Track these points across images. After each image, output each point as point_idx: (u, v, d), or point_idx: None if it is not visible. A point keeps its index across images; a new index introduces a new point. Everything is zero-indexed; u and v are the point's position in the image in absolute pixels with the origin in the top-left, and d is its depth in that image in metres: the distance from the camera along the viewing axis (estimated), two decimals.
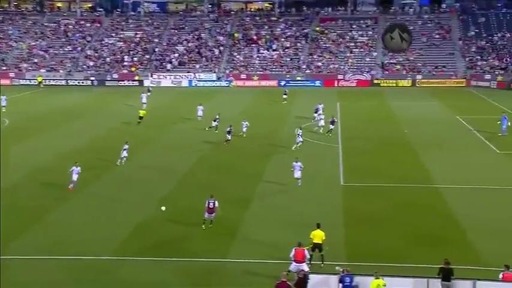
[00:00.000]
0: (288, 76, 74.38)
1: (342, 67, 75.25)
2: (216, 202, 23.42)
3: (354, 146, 38.25)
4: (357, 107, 55.67)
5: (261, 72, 75.77)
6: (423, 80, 71.35)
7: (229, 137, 38.43)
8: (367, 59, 76.70)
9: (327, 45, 79.45)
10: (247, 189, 28.90)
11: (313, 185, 29.43)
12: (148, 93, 56.35)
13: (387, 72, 74.00)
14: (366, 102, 57.92)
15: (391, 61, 75.47)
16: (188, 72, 76.09)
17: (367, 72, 73.75)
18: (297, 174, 28.51)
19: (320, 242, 20.03)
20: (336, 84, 72.07)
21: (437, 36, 78.68)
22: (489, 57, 73.19)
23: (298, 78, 73.79)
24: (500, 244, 21.58)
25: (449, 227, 23.44)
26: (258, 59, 78.64)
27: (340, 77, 73.16)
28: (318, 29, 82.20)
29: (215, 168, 32.83)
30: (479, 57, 73.84)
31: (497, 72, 70.42)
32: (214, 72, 76.20)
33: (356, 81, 72.39)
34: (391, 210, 25.62)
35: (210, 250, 21.63)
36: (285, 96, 57.68)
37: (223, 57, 79.46)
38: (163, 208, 24.36)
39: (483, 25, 77.70)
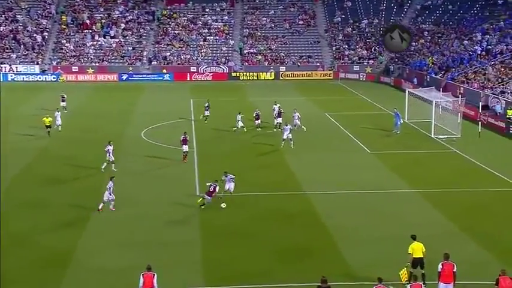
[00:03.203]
0: (130, 69, 73.55)
1: (195, 58, 76.20)
2: (218, 188, 27.40)
3: (211, 149, 38.94)
4: (214, 104, 56.65)
5: (98, 64, 74.08)
6: (287, 72, 74.80)
7: (185, 148, 35.79)
8: (224, 49, 78.50)
9: (176, 32, 79.93)
10: (81, 206, 28.22)
11: (164, 197, 29.46)
12: None
13: (247, 63, 76.36)
14: (224, 98, 59.16)
15: (251, 50, 77.99)
16: (2, 63, 71.89)
17: (224, 63, 75.48)
18: (229, 185, 28.86)
19: (422, 256, 20.13)
20: (188, 78, 72.84)
21: (301, 22, 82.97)
22: (357, 46, 78.87)
23: (164, 71, 73.18)
24: (370, 254, 23.37)
25: (318, 238, 24.84)
26: (92, 48, 76.72)
27: (193, 69, 74.04)
28: (164, 12, 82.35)
29: (43, 183, 31.69)
30: (346, 46, 79.23)
31: (366, 63, 76.15)
32: (37, 64, 72.92)
33: (212, 74, 73.76)
34: (254, 222, 26.51)
35: (35, 283, 20.70)
36: (63, 104, 49.79)
37: (48, 46, 76.30)
38: (223, 205, 27.50)
39: (349, 10, 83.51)
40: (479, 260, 22.77)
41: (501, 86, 52.30)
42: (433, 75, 63.24)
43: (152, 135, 42.93)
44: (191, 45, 78.20)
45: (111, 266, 22.15)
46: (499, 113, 47.69)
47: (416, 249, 20.36)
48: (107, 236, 24.97)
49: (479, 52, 62.06)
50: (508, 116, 45.42)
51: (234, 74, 74.15)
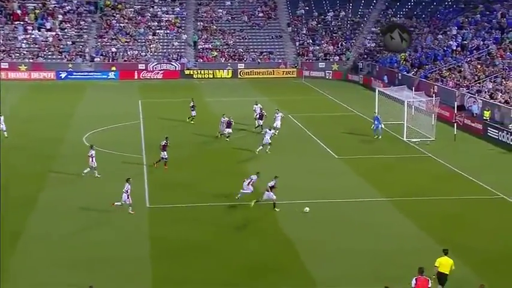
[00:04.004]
0: (70, 66, 72.71)
1: (144, 54, 75.81)
2: (276, 182, 29.45)
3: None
4: (165, 105, 56.49)
5: (32, 61, 73.03)
6: (246, 70, 75.03)
7: (164, 155, 35.89)
8: (176, 44, 78.31)
9: (122, 24, 79.39)
10: (16, 218, 27.90)
11: (110, 209, 29.25)
12: None
13: (202, 60, 76.33)
14: (177, 99, 58.97)
15: (206, 46, 77.97)
16: None
17: (176, 60, 75.30)
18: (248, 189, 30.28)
19: (447, 272, 20.31)
20: (136, 76, 72.42)
21: (260, 14, 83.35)
22: (322, 41, 79.66)
23: (114, 68, 72.50)
24: (337, 269, 23.68)
25: (281, 252, 25.04)
26: (25, 42, 75.55)
27: (141, 66, 73.65)
28: (108, 2, 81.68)
29: None
30: (311, 41, 79.94)
31: (332, 60, 76.95)
32: None
33: (163, 72, 73.49)
34: (212, 235, 26.56)
35: None
36: None
37: None
38: (307, 209, 28.86)
39: (313, 2, 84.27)
40: (457, 274, 23.16)
41: (478, 85, 53.50)
42: (405, 72, 64.31)
43: (95, 140, 42.54)
44: (139, 40, 77.73)
45: (51, 285, 21.86)
46: (476, 113, 48.79)
47: (444, 264, 20.67)
48: (43, 253, 24.63)
49: (454, 47, 63.37)
50: (485, 118, 46.50)
51: (187, 72, 73.98)
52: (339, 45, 78.93)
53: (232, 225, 27.84)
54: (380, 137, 43.92)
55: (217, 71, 74.43)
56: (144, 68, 73.51)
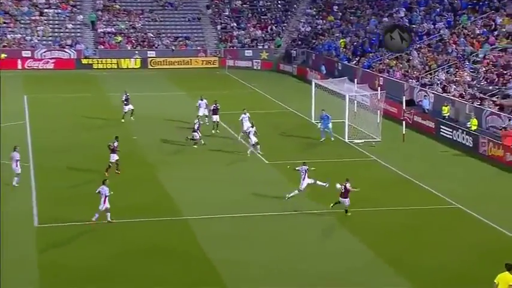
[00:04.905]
0: None
1: (29, 38, 74.47)
2: (348, 184, 30.57)
3: (54, 163, 38.24)
4: (57, 101, 55.61)
5: None
6: (158, 59, 74.84)
7: (113, 158, 36.16)
8: (70, 26, 77.25)
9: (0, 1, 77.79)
10: None
11: None
12: None
13: (103, 46, 75.53)
14: (71, 93, 58.21)
15: (108, 29, 77.16)
16: None
17: (71, 46, 74.29)
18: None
19: None
20: (20, 66, 71.46)
21: None
22: (249, 25, 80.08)
23: (3, 56, 70.82)
24: None
25: (202, 277, 24.98)
26: None
27: (26, 54, 72.56)
28: None
29: None
30: (235, 24, 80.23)
31: (260, 47, 77.45)
32: None
33: (54, 60, 72.50)
34: (116, 259, 26.29)
35: None
36: None
37: None
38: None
39: None
40: None
41: (429, 76, 54.81)
42: (346, 62, 65.35)
43: None
44: (22, 21, 76.32)
45: None
46: (427, 109, 49.96)
47: (504, 280, 20.66)
48: None
49: None
50: (444, 114, 47.44)
51: (84, 61, 73.30)
52: (269, 30, 79.53)
53: (143, 245, 27.63)
54: (332, 138, 44.33)
55: (122, 60, 74.09)
56: (29, 55, 72.47)
